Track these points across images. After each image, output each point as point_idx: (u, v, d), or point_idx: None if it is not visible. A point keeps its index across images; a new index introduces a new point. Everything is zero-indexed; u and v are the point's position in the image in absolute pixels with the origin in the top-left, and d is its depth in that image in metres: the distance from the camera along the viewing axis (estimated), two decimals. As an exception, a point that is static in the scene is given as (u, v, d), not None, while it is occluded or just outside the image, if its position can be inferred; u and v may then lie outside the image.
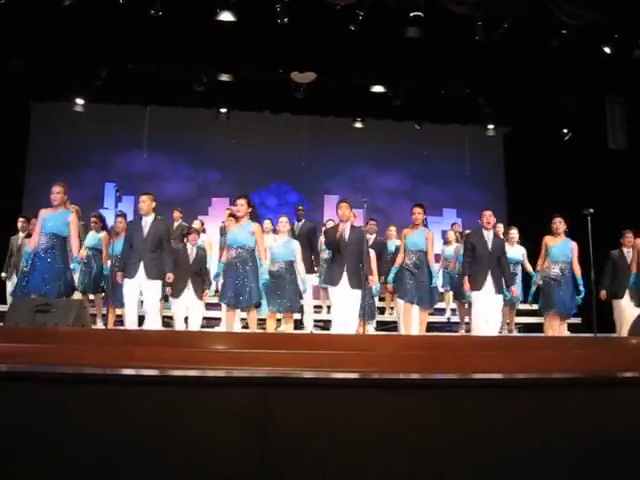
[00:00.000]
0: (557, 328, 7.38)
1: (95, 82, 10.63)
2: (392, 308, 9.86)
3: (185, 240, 8.01)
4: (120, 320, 7.97)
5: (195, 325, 7.90)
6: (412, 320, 7.22)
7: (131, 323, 6.79)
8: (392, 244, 9.39)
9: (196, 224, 8.88)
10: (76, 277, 7.47)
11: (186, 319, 7.98)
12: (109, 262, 7.75)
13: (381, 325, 9.33)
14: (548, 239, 7.54)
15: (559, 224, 7.47)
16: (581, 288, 7.41)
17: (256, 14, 8.78)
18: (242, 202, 6.83)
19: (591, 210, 7.43)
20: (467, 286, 7.12)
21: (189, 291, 7.80)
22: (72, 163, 12.09)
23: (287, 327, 7.46)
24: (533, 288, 7.81)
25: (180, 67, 10.55)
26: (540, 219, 8.30)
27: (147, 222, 6.85)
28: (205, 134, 12.50)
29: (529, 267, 8.77)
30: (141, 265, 6.69)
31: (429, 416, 2.50)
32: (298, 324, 8.40)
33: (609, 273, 8.41)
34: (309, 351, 4.19)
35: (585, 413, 2.61)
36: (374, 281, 7.38)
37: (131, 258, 6.75)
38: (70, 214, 6.63)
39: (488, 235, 7.21)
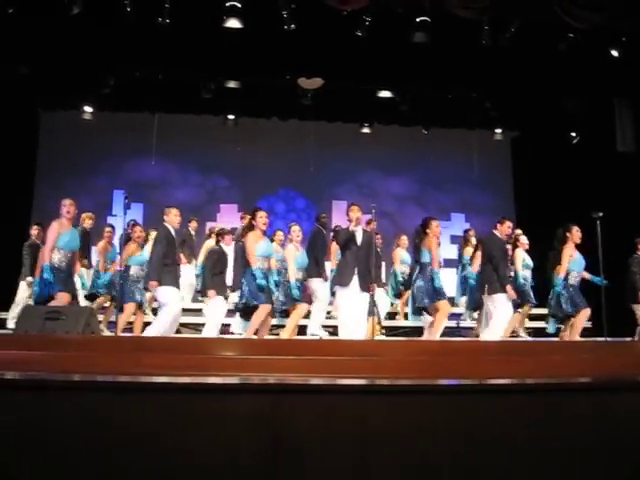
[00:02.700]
0: (583, 324, 7.48)
1: (103, 90, 10.67)
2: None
3: (220, 241, 8.17)
4: (130, 328, 8.00)
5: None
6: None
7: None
8: (403, 253, 9.35)
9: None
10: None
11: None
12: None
13: (391, 331, 9.31)
14: (571, 250, 7.53)
15: (580, 233, 7.53)
16: (598, 278, 7.55)
17: (263, 21, 8.80)
18: (266, 215, 7.05)
19: (600, 213, 7.40)
20: (512, 293, 7.23)
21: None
22: (81, 171, 12.15)
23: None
24: (564, 294, 7.72)
25: (188, 74, 10.58)
26: (548, 223, 8.27)
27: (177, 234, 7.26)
28: (213, 141, 12.52)
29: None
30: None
31: (438, 421, 2.50)
32: (302, 329, 8.40)
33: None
34: (319, 357, 4.20)
35: (595, 417, 2.60)
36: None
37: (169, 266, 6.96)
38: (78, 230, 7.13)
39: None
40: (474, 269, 8.27)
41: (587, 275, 7.68)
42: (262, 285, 6.74)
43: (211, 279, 7.92)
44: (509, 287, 7.20)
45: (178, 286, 7.03)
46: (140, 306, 7.85)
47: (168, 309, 6.91)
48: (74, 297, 6.79)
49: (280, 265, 7.83)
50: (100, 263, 8.53)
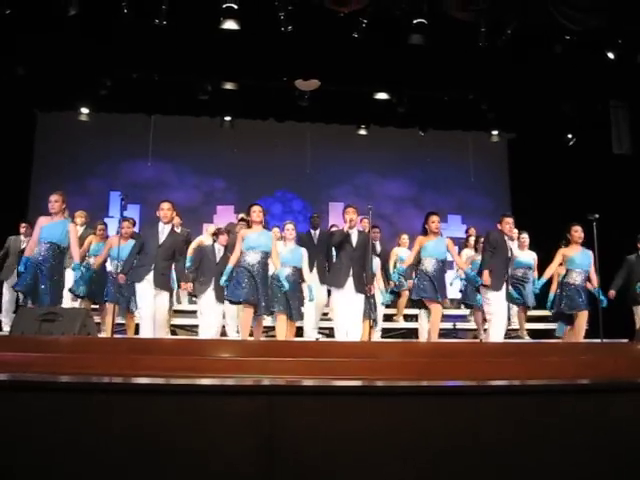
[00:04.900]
0: (584, 325, 7.39)
1: (100, 91, 10.67)
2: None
3: (214, 240, 8.07)
4: (122, 329, 7.93)
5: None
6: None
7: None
8: (401, 251, 9.30)
9: (212, 229, 8.85)
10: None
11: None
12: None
13: (387, 332, 9.29)
14: (565, 250, 7.42)
15: (580, 233, 7.43)
16: (602, 298, 7.47)
17: (260, 22, 8.80)
18: (260, 209, 6.84)
19: (596, 215, 7.38)
20: (486, 278, 7.10)
21: (211, 292, 7.79)
22: (77, 172, 12.13)
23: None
24: (551, 295, 7.69)
25: (184, 76, 10.58)
26: (545, 225, 8.26)
27: (164, 230, 6.71)
28: (210, 142, 12.51)
29: (536, 273, 8.63)
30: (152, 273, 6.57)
31: (433, 423, 2.49)
32: (299, 331, 8.32)
33: (622, 276, 8.46)
34: (314, 359, 4.19)
35: (592, 419, 2.60)
36: (374, 289, 7.34)
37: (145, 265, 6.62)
38: (68, 223, 6.64)
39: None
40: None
41: (590, 286, 7.58)
42: (242, 281, 6.54)
43: (187, 274, 7.77)
44: (485, 272, 7.10)
45: (153, 285, 6.52)
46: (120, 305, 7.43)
47: (142, 312, 6.71)
48: None
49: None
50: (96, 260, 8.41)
